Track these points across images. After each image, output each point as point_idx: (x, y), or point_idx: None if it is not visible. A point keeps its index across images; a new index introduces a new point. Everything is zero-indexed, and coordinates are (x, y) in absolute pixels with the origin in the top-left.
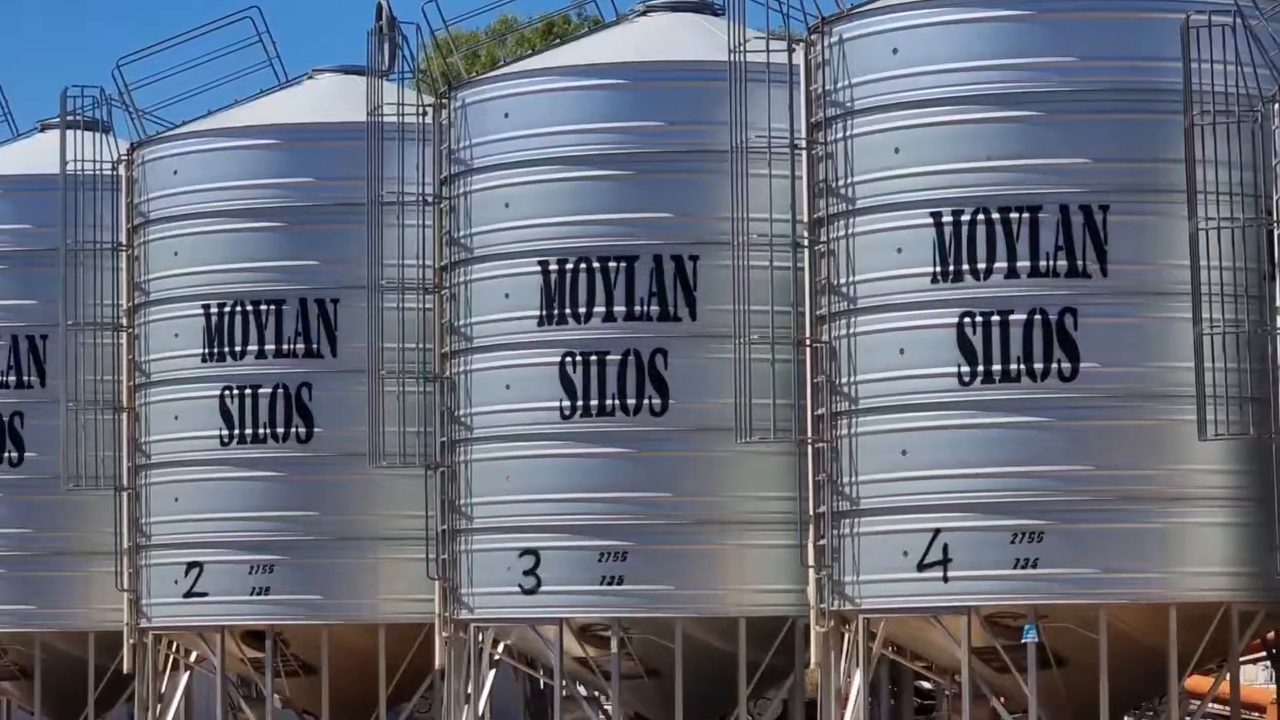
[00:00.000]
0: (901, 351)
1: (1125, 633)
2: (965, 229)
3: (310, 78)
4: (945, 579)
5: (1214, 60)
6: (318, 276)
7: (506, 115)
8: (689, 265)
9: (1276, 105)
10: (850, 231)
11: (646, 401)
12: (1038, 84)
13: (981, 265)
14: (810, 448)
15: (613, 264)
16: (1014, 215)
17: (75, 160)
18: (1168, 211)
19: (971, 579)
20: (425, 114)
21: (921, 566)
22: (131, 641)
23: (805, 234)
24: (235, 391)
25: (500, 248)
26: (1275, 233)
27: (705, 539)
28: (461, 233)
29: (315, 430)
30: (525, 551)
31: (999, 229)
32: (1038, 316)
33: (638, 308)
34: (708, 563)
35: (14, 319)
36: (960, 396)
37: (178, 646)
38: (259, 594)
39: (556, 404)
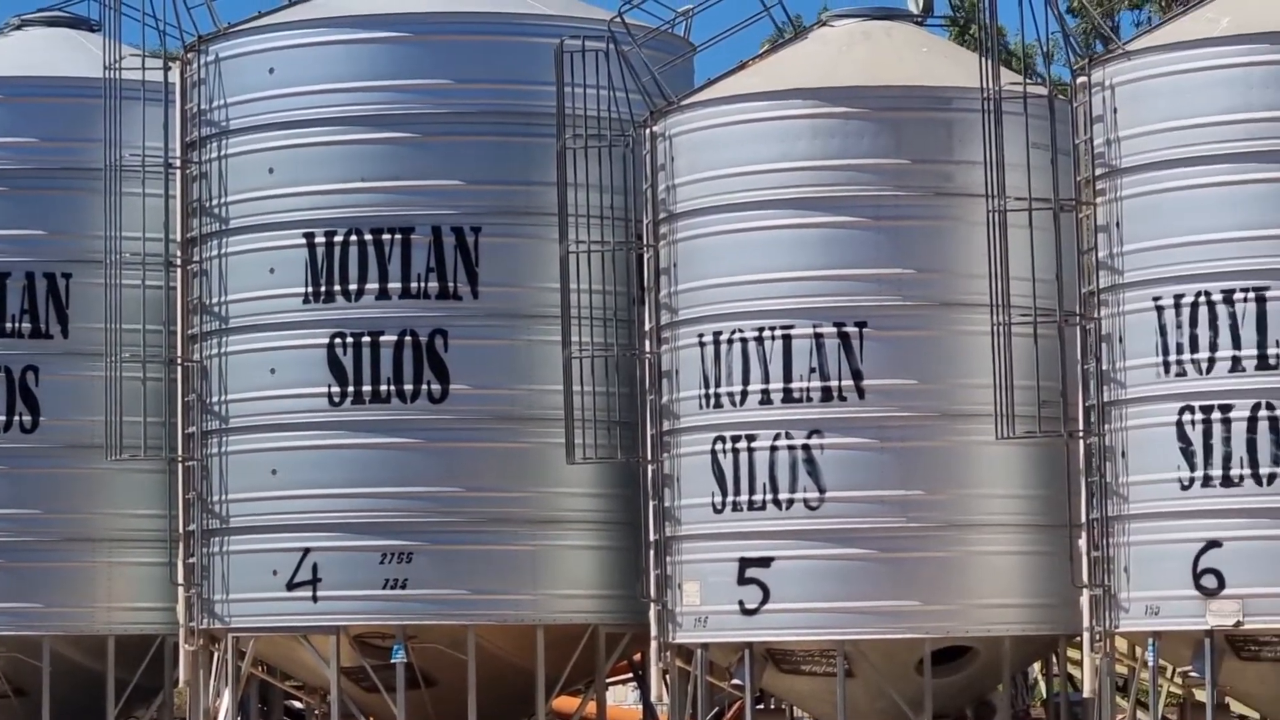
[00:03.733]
0: (272, 371)
1: (494, 653)
2: (338, 250)
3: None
4: (315, 599)
5: (588, 85)
6: None
7: None
8: (62, 283)
9: (648, 130)
10: (223, 251)
11: (17, 419)
12: (413, 106)
13: (353, 286)
14: (181, 466)
15: None
16: (386, 236)
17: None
18: (540, 234)
19: (341, 599)
20: None
21: (291, 585)
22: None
23: (178, 253)
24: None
25: None
26: (645, 256)
27: (75, 556)
28: None
29: None
30: None
31: (371, 250)
32: (408, 338)
33: (9, 325)
34: (77, 580)
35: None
36: (331, 416)
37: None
38: None
39: None
